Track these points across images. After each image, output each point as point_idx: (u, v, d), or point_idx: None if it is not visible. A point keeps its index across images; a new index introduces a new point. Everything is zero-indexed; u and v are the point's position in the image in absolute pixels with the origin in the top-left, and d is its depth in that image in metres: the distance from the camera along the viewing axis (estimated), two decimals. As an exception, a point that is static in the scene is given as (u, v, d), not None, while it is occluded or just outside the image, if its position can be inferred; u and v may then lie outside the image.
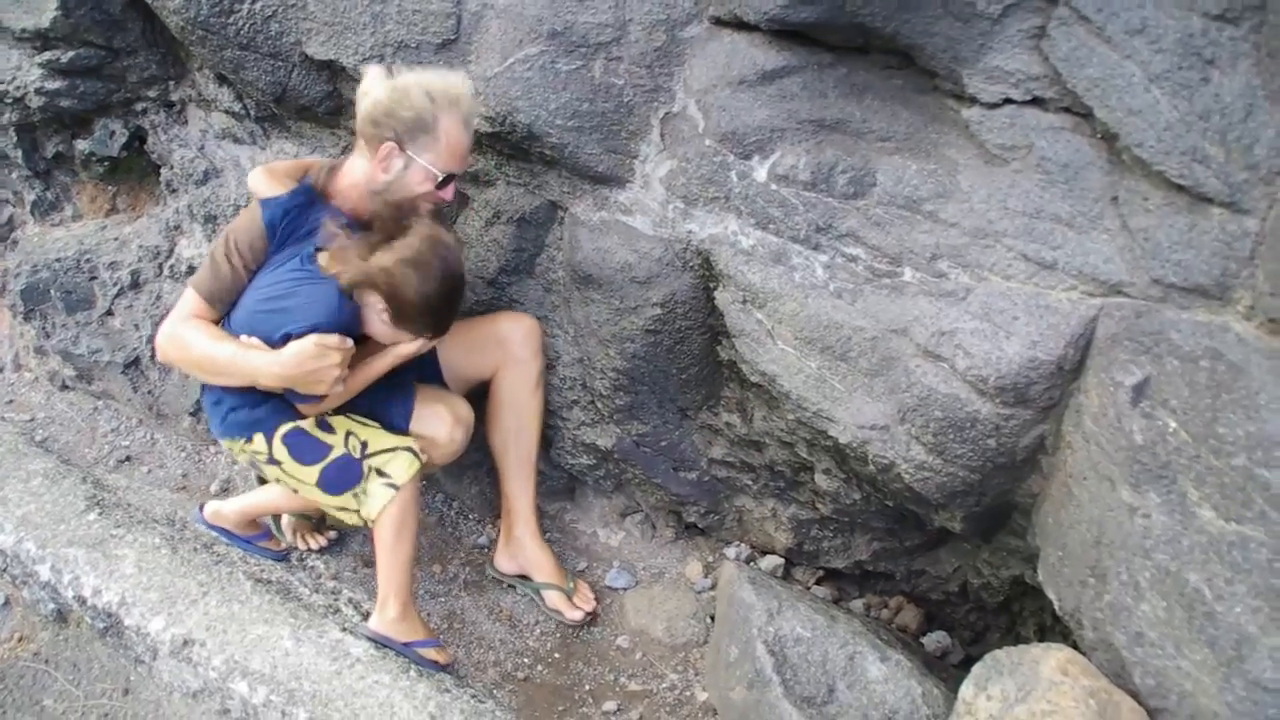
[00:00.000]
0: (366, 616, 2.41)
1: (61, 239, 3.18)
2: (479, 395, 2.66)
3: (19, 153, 3.15)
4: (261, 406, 2.31)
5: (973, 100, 2.10)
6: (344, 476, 2.30)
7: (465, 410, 2.48)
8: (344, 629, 2.28)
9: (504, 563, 2.64)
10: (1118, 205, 1.94)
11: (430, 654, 2.32)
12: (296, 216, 2.28)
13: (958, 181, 2.09)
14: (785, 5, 2.10)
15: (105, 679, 2.35)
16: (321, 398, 2.26)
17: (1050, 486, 2.08)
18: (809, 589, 2.60)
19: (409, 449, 2.33)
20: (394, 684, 2.13)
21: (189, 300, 2.27)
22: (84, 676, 2.31)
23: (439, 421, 2.42)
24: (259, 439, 2.32)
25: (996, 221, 2.04)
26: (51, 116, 3.03)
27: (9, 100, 2.96)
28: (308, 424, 2.33)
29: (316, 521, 2.72)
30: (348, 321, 2.24)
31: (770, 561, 2.64)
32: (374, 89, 2.20)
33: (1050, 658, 1.83)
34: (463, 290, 2.31)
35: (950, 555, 2.52)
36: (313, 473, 2.31)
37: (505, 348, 2.57)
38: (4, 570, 2.55)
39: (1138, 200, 1.90)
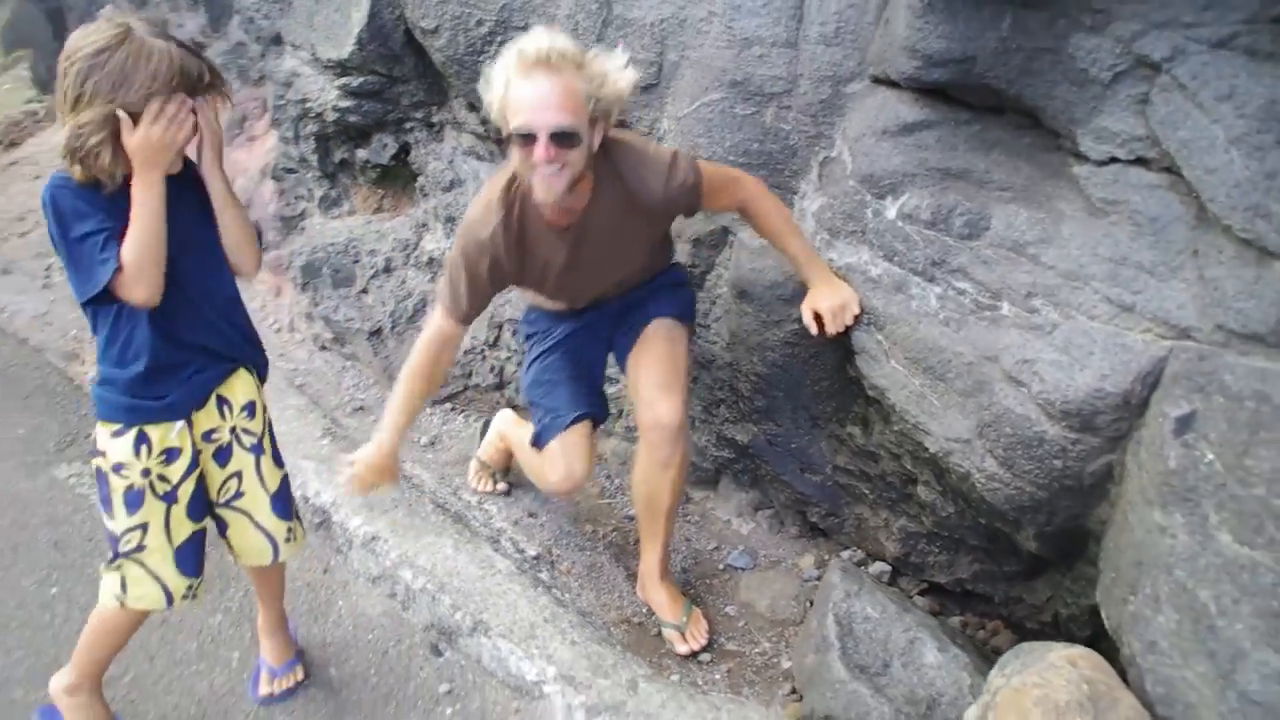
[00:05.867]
0: (523, 551, 2.88)
1: (336, 228, 3.96)
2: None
3: (315, 158, 3.98)
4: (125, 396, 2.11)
5: (1084, 158, 2.31)
6: (110, 544, 2.19)
7: (581, 472, 2.63)
8: (496, 551, 2.77)
9: (639, 590, 2.88)
10: (1197, 257, 2.11)
11: None
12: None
13: (1060, 229, 2.30)
14: (920, 67, 2.40)
15: (313, 560, 2.98)
16: None
17: (1115, 514, 2.25)
18: (911, 598, 2.81)
19: (165, 587, 2.21)
20: (522, 593, 2.63)
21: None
22: (299, 556, 2.89)
23: (553, 471, 2.65)
24: (104, 434, 2.13)
25: (1088, 266, 2.23)
26: (341, 130, 3.81)
27: (313, 115, 3.79)
28: (112, 476, 2.13)
29: (498, 471, 3.22)
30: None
31: (878, 567, 2.89)
32: None
33: (1062, 651, 2.01)
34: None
35: (1045, 586, 2.67)
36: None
37: (646, 434, 2.64)
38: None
39: (1214, 253, 2.07)
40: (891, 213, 2.55)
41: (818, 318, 2.56)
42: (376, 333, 3.85)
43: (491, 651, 2.53)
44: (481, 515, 3.08)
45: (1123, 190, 2.23)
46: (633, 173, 2.40)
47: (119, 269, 1.92)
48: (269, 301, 4.30)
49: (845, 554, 2.96)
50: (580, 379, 2.75)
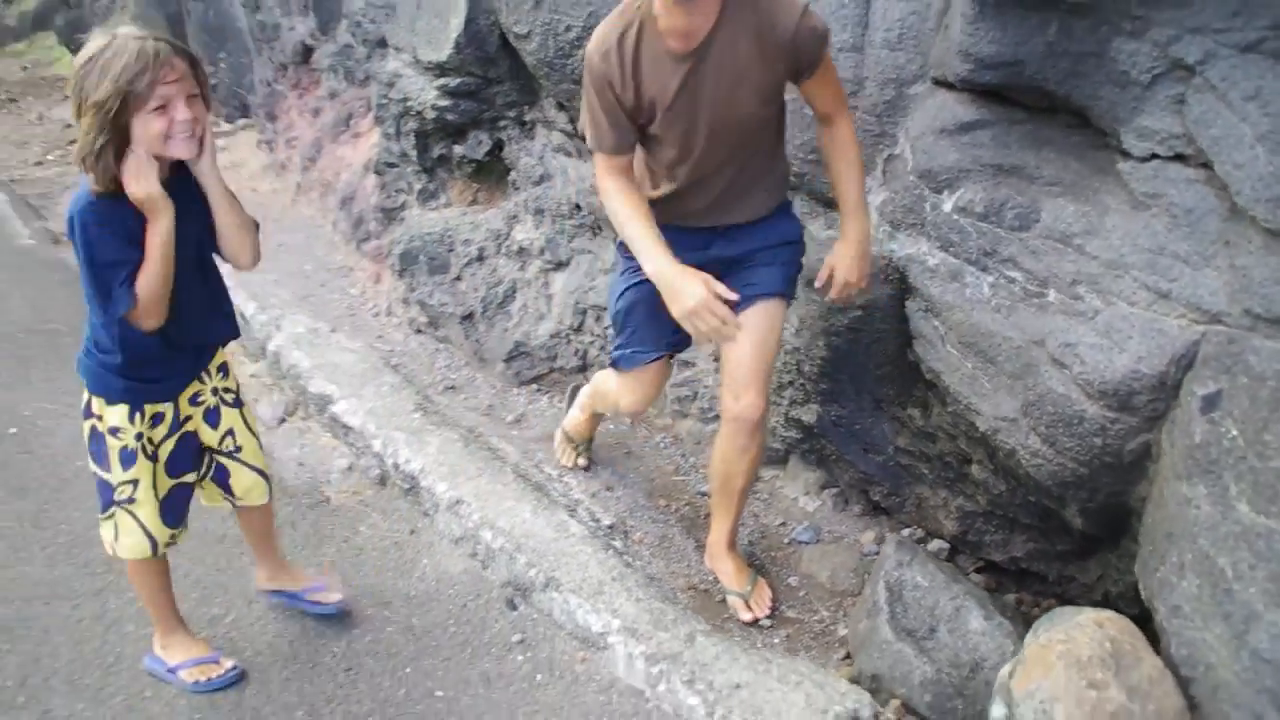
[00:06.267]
0: (598, 521, 3.11)
1: (434, 219, 4.27)
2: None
3: (415, 153, 4.30)
4: (116, 377, 2.29)
5: (1127, 154, 2.43)
6: (101, 495, 2.39)
7: (652, 399, 2.97)
8: (572, 517, 3.02)
9: (706, 559, 3.06)
10: (1229, 247, 2.22)
11: (194, 672, 2.58)
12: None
13: (1104, 222, 2.43)
14: (973, 69, 2.54)
15: (401, 522, 3.28)
16: None
17: (1153, 491, 2.38)
18: (968, 575, 2.95)
19: (151, 537, 2.40)
20: (593, 555, 2.88)
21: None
22: (389, 518, 3.25)
23: (625, 398, 2.94)
24: (98, 402, 2.33)
25: (1128, 255, 2.36)
26: (439, 127, 4.12)
27: (414, 113, 4.11)
28: (108, 437, 2.33)
29: (581, 445, 3.44)
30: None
31: (937, 545, 3.04)
32: None
33: (1092, 614, 2.16)
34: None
35: (1096, 565, 2.79)
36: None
37: (728, 423, 2.77)
38: (353, 444, 3.59)
39: (1244, 243, 2.18)
40: (948, 206, 2.70)
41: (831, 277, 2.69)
42: (468, 317, 4.14)
43: (562, 606, 2.77)
44: (561, 487, 3.32)
45: (1162, 185, 2.34)
46: (766, 4, 2.39)
47: (135, 303, 2.11)
48: (369, 287, 4.65)
49: (905, 531, 3.12)
50: (668, 320, 2.66)
